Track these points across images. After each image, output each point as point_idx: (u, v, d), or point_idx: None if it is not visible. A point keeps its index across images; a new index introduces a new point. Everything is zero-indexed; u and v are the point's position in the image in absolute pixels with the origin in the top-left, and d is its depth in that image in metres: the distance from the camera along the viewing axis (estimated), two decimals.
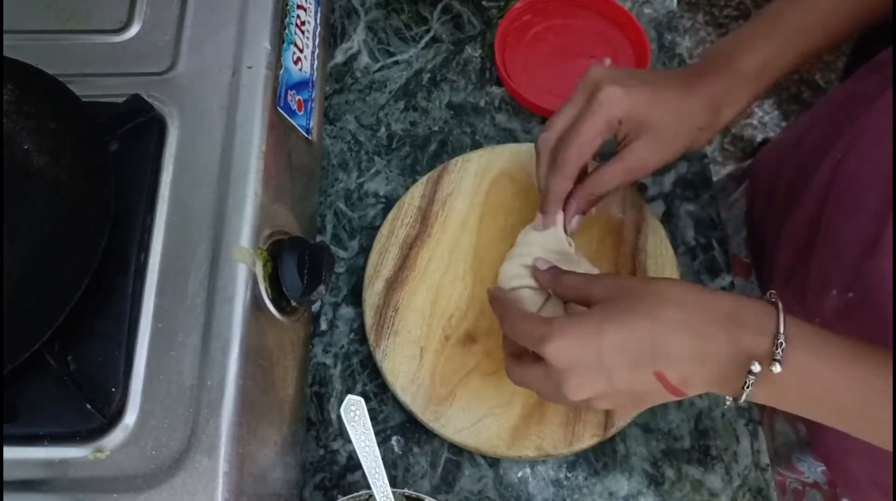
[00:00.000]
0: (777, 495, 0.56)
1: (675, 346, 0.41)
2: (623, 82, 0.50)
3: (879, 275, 0.49)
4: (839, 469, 0.62)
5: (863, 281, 0.51)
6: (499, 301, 0.51)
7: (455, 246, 0.62)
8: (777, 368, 0.39)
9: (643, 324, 0.42)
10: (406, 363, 0.57)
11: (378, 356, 0.58)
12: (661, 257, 0.61)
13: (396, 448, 0.57)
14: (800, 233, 0.60)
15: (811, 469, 0.65)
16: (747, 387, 0.40)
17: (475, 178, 0.64)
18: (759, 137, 1.79)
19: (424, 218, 0.63)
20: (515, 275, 0.53)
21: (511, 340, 0.48)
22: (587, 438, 0.55)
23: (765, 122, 1.81)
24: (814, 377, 0.40)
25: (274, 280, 0.50)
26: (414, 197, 0.64)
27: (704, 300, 0.42)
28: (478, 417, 0.56)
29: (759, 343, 0.40)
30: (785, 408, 0.43)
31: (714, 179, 0.69)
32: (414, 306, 0.60)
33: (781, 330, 0.40)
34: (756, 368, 0.40)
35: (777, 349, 0.39)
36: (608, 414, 0.56)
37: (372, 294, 0.60)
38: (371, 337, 0.59)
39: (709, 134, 0.53)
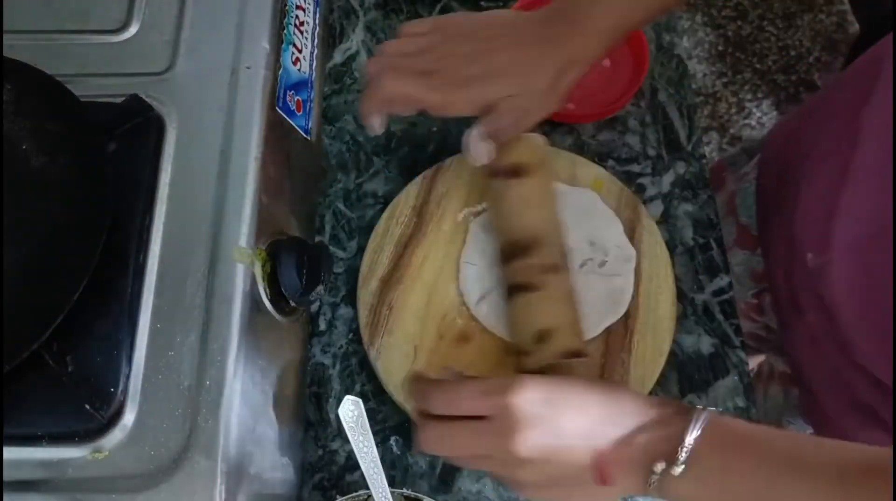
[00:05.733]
0: None
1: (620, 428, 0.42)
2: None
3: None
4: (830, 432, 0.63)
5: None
6: (424, 381, 0.47)
7: (450, 245, 0.62)
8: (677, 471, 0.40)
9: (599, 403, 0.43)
10: (400, 362, 0.57)
11: (372, 354, 0.58)
12: (655, 257, 0.61)
13: (395, 448, 0.58)
14: (816, 205, 0.60)
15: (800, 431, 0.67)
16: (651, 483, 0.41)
17: (470, 177, 0.64)
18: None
19: (419, 217, 0.63)
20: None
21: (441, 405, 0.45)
22: None
23: (763, 122, 1.81)
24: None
25: (272, 280, 0.50)
26: (409, 196, 0.64)
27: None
28: None
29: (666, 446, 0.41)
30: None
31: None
32: (408, 304, 0.59)
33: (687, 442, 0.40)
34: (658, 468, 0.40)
35: (680, 453, 0.40)
36: None
37: (366, 293, 0.60)
38: (365, 336, 0.58)
39: (553, 98, 0.52)
